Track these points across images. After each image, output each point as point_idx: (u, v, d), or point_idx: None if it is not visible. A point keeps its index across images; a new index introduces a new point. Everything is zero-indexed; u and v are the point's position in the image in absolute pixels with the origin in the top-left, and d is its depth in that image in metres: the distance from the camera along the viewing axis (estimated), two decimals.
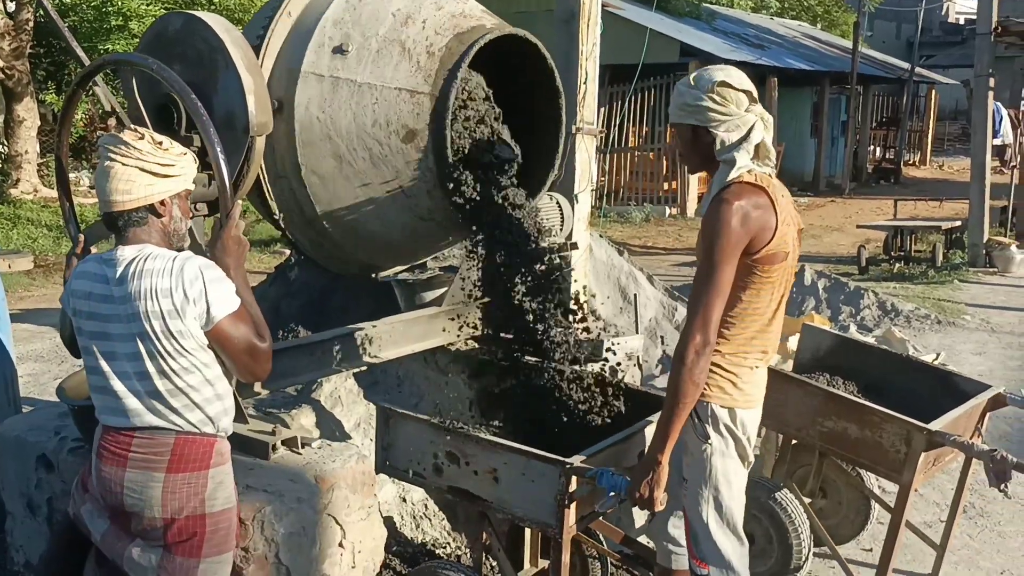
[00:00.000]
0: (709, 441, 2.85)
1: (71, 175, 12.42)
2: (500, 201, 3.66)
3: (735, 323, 2.82)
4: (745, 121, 2.74)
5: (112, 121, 3.44)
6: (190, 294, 2.41)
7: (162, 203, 2.50)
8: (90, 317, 2.49)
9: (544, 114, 4.19)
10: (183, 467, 2.49)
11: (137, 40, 13.17)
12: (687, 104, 2.79)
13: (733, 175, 2.74)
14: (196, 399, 2.49)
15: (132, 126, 2.63)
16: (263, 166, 3.70)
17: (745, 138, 2.74)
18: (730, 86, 2.75)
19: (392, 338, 4.11)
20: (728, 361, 2.83)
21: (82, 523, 2.62)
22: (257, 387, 3.32)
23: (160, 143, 2.49)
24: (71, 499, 2.70)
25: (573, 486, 2.79)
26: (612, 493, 2.74)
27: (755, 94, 2.81)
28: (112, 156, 2.44)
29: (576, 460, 2.80)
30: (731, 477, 2.90)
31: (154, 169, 2.47)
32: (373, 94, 3.66)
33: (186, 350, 2.44)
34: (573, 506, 2.82)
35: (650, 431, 3.12)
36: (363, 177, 3.74)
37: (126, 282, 2.42)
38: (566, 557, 2.86)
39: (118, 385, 2.47)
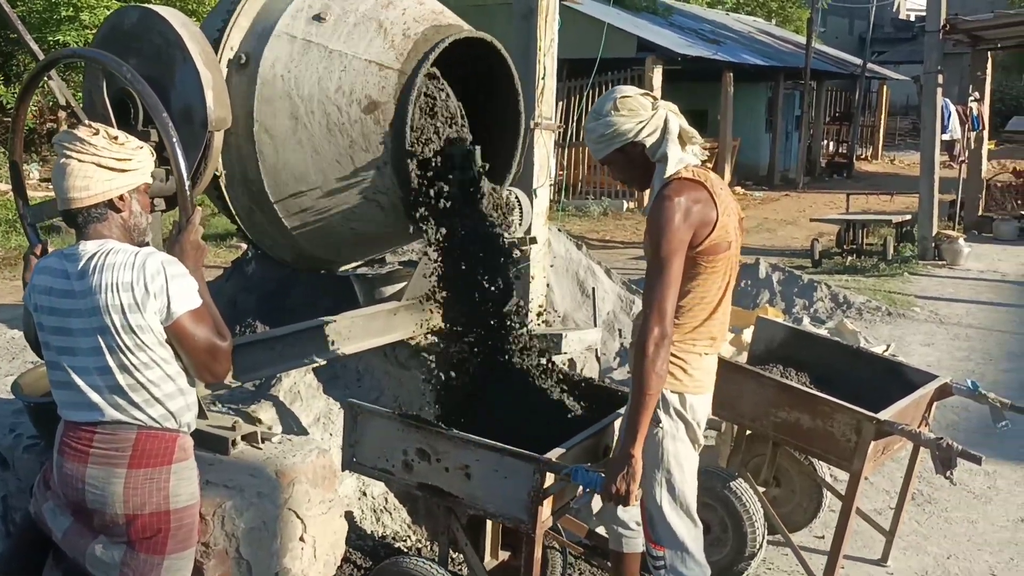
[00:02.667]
0: (660, 425, 2.93)
1: None
2: (445, 193, 3.68)
3: (684, 312, 2.92)
4: (658, 117, 2.90)
5: (62, 114, 3.41)
6: (151, 288, 2.40)
7: (120, 198, 2.48)
8: (51, 312, 2.47)
9: (503, 116, 4.22)
10: (144, 462, 2.47)
11: (88, 31, 12.97)
12: (604, 135, 2.94)
13: (670, 171, 2.87)
14: (157, 394, 2.48)
15: (87, 121, 2.61)
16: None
17: (665, 131, 2.89)
18: (628, 96, 2.92)
19: (352, 333, 4.12)
20: (678, 348, 2.91)
21: (43, 522, 2.59)
22: (228, 379, 3.31)
23: (115, 138, 2.47)
24: (32, 497, 2.68)
25: (547, 482, 2.81)
26: (587, 490, 2.76)
27: (654, 95, 2.97)
28: (68, 153, 2.42)
29: (551, 456, 2.83)
30: (682, 460, 2.99)
31: (111, 164, 2.45)
32: (343, 62, 3.67)
33: (146, 345, 2.43)
34: (547, 502, 2.85)
35: (610, 431, 3.18)
36: (315, 143, 3.70)
37: (87, 276, 2.40)
38: (538, 552, 2.89)
39: (79, 380, 2.45)
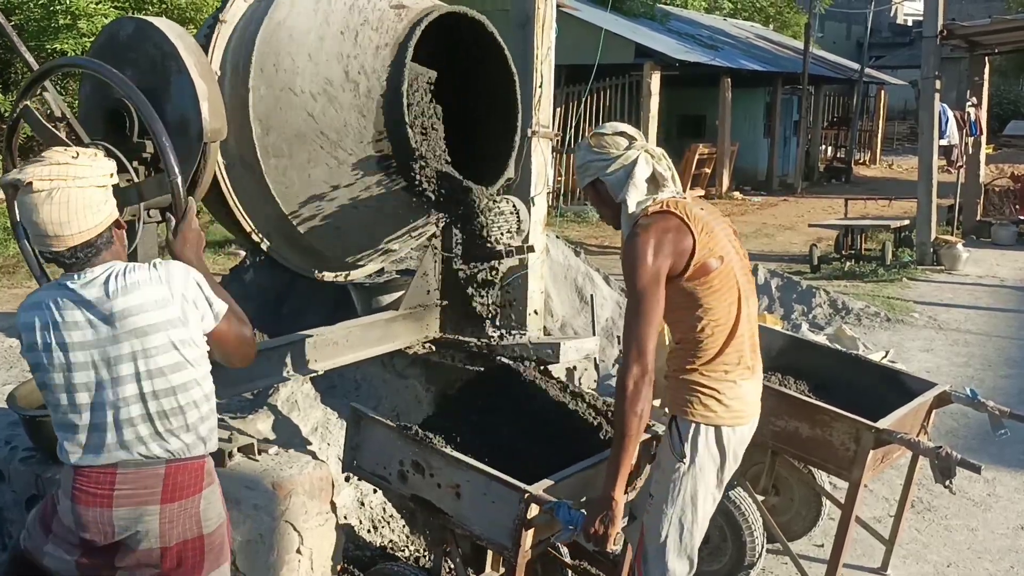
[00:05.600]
0: (684, 460, 2.85)
1: None
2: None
3: (702, 342, 2.86)
4: (627, 158, 2.89)
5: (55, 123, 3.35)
6: (189, 296, 2.32)
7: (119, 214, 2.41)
8: (62, 348, 2.29)
9: (502, 116, 4.18)
10: (177, 495, 2.37)
11: (86, 39, 12.96)
12: (579, 166, 3.01)
13: (634, 210, 2.86)
14: (192, 419, 2.37)
15: (58, 148, 2.37)
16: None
17: (630, 174, 2.87)
18: (601, 134, 2.96)
19: (350, 342, 4.12)
20: (707, 377, 2.84)
21: (36, 559, 2.48)
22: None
23: (87, 155, 2.31)
24: (26, 532, 2.54)
25: (532, 513, 2.79)
26: (568, 528, 2.73)
27: (632, 134, 2.95)
28: (61, 185, 2.21)
29: (537, 488, 2.81)
30: (699, 500, 2.89)
31: (104, 183, 2.31)
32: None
33: (188, 362, 2.34)
34: (530, 532, 2.82)
35: None
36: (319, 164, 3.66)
37: (109, 301, 2.27)
38: None
39: (102, 417, 2.31)
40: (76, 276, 2.31)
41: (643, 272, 2.74)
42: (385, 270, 5.13)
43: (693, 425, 2.84)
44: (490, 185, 4.01)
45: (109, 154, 3.04)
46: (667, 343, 3.02)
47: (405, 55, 3.51)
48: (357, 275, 4.54)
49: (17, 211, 2.29)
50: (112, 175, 2.35)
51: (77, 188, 2.24)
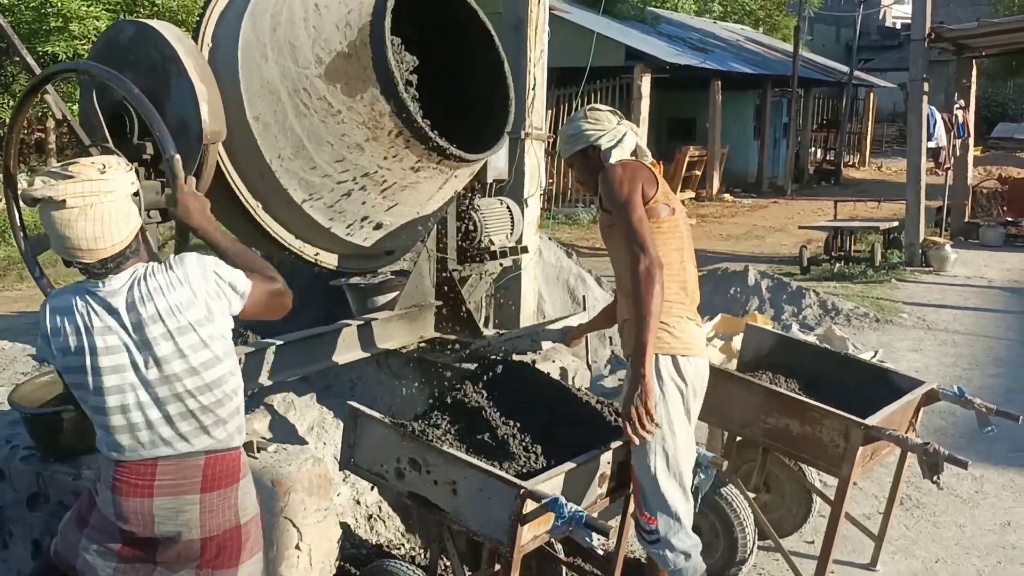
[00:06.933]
0: None
1: None
2: None
3: None
4: (618, 131, 3.34)
5: (51, 123, 3.38)
6: (211, 290, 2.37)
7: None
8: (91, 352, 2.33)
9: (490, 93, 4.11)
10: (216, 485, 2.43)
11: (78, 42, 12.96)
12: (572, 136, 3.39)
13: (614, 162, 3.27)
14: (224, 413, 2.43)
15: (83, 160, 2.35)
16: None
17: (621, 141, 3.31)
18: (597, 109, 3.41)
19: (345, 342, 4.15)
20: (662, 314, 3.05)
21: (65, 561, 2.52)
22: None
23: (114, 167, 2.32)
24: (59, 536, 2.57)
25: (528, 508, 2.84)
26: (562, 522, 2.77)
27: (620, 114, 3.44)
28: (92, 202, 2.23)
29: (533, 484, 2.85)
30: (675, 427, 3.10)
31: (134, 190, 2.35)
32: None
33: (218, 357, 2.39)
34: (526, 527, 2.87)
35: (606, 458, 3.20)
36: (307, 119, 3.51)
37: (136, 309, 2.32)
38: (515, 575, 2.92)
39: (136, 418, 2.35)
40: (101, 283, 2.34)
41: (626, 184, 3.13)
42: (379, 271, 5.17)
43: (656, 357, 3.06)
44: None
45: (107, 153, 3.08)
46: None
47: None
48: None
49: (44, 224, 2.28)
50: (135, 183, 2.37)
51: (110, 203, 2.26)
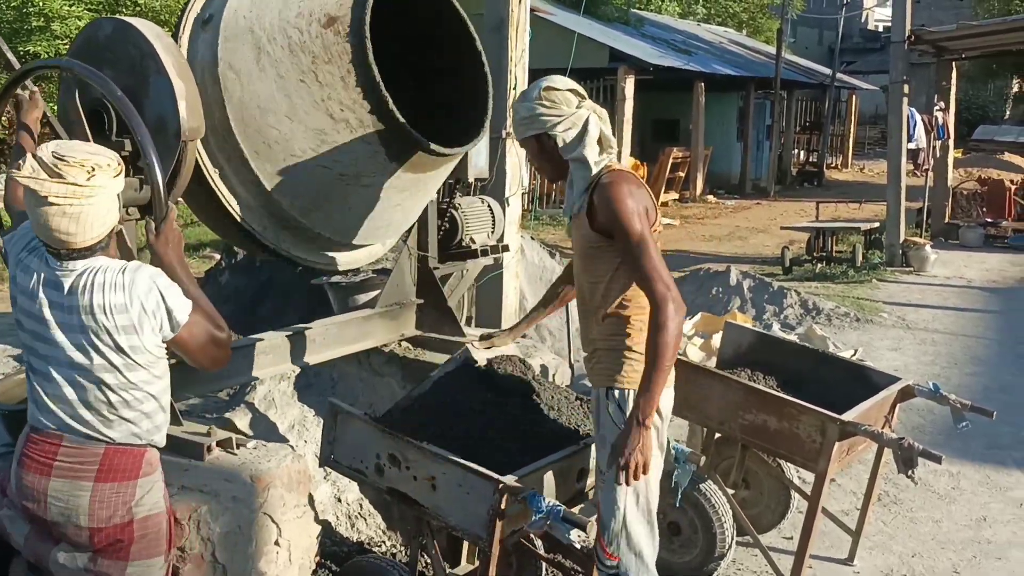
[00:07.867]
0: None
1: None
2: None
3: (630, 305, 2.93)
4: (579, 117, 2.91)
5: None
6: (147, 307, 2.40)
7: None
8: (30, 317, 2.44)
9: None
10: (111, 477, 2.45)
11: (60, 41, 12.90)
12: (524, 118, 2.96)
13: (595, 170, 2.91)
14: (130, 415, 2.46)
15: (76, 158, 2.36)
16: None
17: (584, 132, 2.90)
18: (554, 88, 2.93)
19: (326, 340, 4.16)
20: (639, 344, 2.89)
21: (2, 528, 2.57)
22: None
23: (103, 171, 2.35)
24: None
25: (506, 503, 2.86)
26: (540, 516, 2.78)
27: (582, 92, 2.97)
28: (73, 203, 2.29)
29: (511, 479, 2.87)
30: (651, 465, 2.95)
31: (119, 191, 2.40)
32: None
33: (138, 364, 2.43)
34: (504, 522, 2.88)
35: (585, 454, 3.22)
36: (279, 67, 3.60)
37: (76, 294, 2.38)
38: (493, 570, 2.93)
39: (56, 391, 2.43)
40: (60, 263, 2.40)
41: (638, 212, 2.80)
42: (361, 270, 5.18)
43: (631, 392, 2.90)
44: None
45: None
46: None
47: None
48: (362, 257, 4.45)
49: (24, 201, 2.38)
50: (122, 184, 2.43)
51: (90, 205, 2.33)
